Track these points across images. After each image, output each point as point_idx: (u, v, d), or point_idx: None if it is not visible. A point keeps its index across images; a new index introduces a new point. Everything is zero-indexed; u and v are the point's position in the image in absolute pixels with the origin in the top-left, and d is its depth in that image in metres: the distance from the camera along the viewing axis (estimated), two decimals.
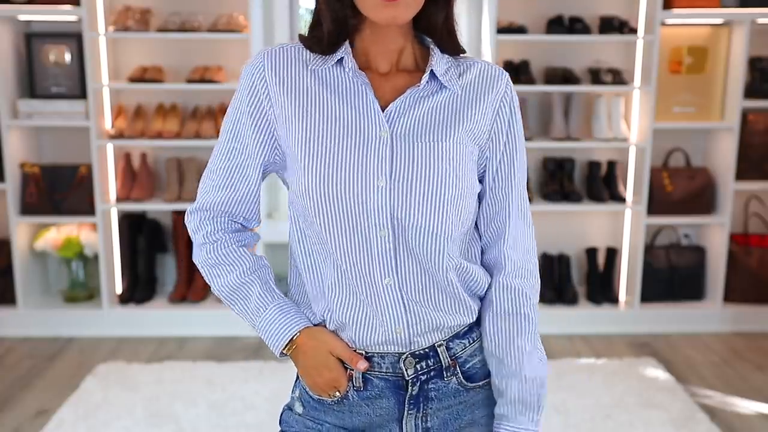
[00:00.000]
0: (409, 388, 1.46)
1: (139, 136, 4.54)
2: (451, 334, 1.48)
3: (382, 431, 1.50)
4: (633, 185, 4.75)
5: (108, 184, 4.64)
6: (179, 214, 4.68)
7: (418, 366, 1.46)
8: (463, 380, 1.49)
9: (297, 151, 1.41)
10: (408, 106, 1.41)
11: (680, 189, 4.68)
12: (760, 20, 4.49)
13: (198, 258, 1.54)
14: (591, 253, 4.86)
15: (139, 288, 4.72)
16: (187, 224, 1.54)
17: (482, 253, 1.53)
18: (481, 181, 1.50)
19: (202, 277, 4.58)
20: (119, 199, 4.60)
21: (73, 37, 4.48)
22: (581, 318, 4.70)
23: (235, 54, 4.64)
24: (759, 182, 4.68)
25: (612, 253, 4.84)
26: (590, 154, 4.86)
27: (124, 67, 4.68)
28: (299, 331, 1.47)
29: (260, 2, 4.51)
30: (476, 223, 1.52)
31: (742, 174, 4.64)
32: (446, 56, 1.46)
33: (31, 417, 3.62)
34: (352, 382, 1.47)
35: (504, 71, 1.51)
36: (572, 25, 4.52)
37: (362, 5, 1.37)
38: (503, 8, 4.52)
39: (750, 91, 4.58)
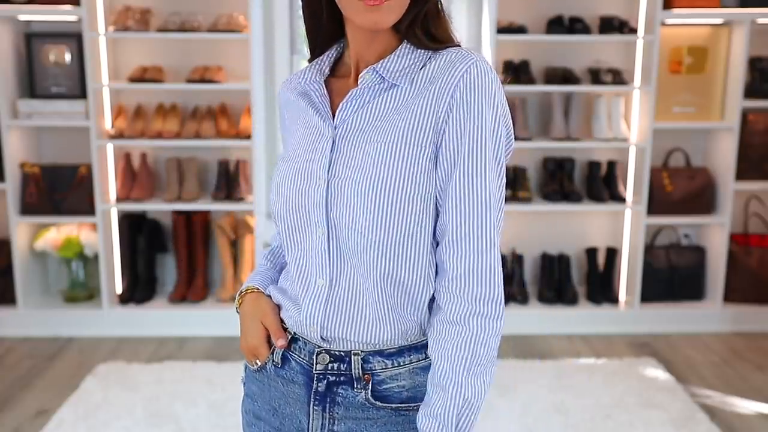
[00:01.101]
0: (315, 382, 1.43)
1: (139, 136, 4.55)
2: (372, 349, 1.41)
3: (290, 420, 1.49)
4: (633, 185, 4.76)
5: (108, 184, 4.64)
6: (179, 214, 4.69)
7: (329, 365, 1.43)
8: (370, 397, 1.41)
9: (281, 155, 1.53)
10: (355, 107, 1.39)
11: (680, 189, 4.69)
12: (760, 20, 4.49)
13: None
14: (591, 253, 4.87)
15: (139, 288, 4.73)
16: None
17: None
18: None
19: (202, 278, 4.64)
20: (119, 199, 4.61)
21: (73, 37, 4.49)
22: (581, 318, 4.70)
23: (235, 54, 4.64)
24: (759, 182, 4.69)
25: (612, 253, 4.85)
26: (590, 154, 4.87)
27: (124, 67, 4.69)
28: (248, 289, 1.56)
29: (260, 2, 4.51)
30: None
31: (742, 174, 4.64)
32: (419, 50, 1.39)
33: (31, 417, 3.63)
34: (272, 356, 1.49)
35: (471, 56, 1.34)
36: (572, 25, 4.53)
37: (345, 9, 1.35)
38: (503, 8, 4.53)
39: (750, 91, 4.58)
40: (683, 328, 4.72)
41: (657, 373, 4.10)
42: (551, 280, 4.85)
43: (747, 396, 3.89)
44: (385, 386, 1.41)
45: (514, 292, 4.76)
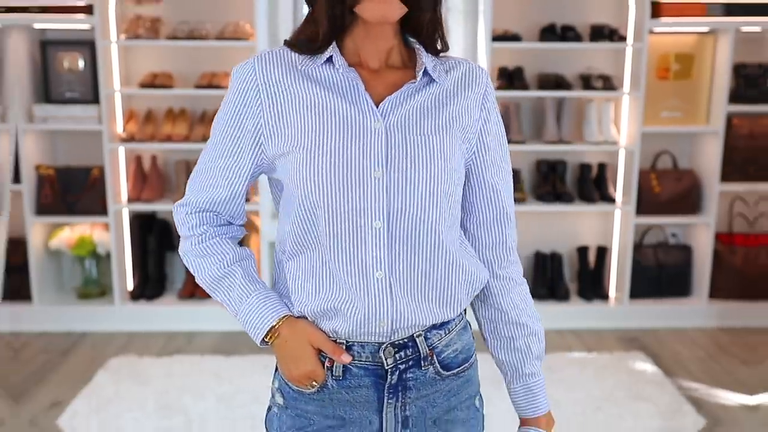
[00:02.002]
0: (389, 377, 1.44)
1: (149, 139, 4.60)
2: (430, 326, 1.47)
3: (361, 423, 1.47)
4: (622, 186, 4.80)
5: (120, 186, 4.70)
6: None
7: (397, 355, 1.45)
8: (440, 369, 1.48)
9: (295, 148, 1.40)
10: (402, 99, 1.42)
11: (668, 190, 4.75)
12: (744, 28, 4.57)
13: (183, 249, 1.52)
14: (582, 251, 4.92)
15: (150, 285, 4.78)
16: (174, 217, 1.52)
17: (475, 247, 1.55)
18: (468, 173, 1.51)
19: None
20: (130, 200, 4.66)
21: (86, 45, 4.55)
22: (572, 314, 4.76)
23: (242, 61, 4.63)
24: (743, 183, 4.74)
25: (602, 252, 4.90)
26: (581, 156, 4.92)
27: (135, 73, 4.75)
28: (280, 319, 1.44)
29: (265, 11, 4.52)
30: (465, 221, 1.54)
31: (726, 176, 4.70)
32: (430, 55, 1.46)
33: (45, 409, 3.67)
34: (331, 371, 1.44)
35: (484, 69, 1.52)
36: (564, 33, 4.59)
37: (360, 8, 1.37)
38: (498, 17, 4.57)
39: (734, 97, 4.65)
40: (671, 324, 4.76)
41: (645, 366, 4.14)
42: (544, 277, 4.90)
43: (731, 388, 3.94)
44: (444, 355, 1.50)
45: None
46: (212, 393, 3.79)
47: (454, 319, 1.52)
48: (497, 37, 4.55)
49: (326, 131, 1.39)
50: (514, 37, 4.59)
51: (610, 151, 4.88)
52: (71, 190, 4.63)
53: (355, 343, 1.44)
